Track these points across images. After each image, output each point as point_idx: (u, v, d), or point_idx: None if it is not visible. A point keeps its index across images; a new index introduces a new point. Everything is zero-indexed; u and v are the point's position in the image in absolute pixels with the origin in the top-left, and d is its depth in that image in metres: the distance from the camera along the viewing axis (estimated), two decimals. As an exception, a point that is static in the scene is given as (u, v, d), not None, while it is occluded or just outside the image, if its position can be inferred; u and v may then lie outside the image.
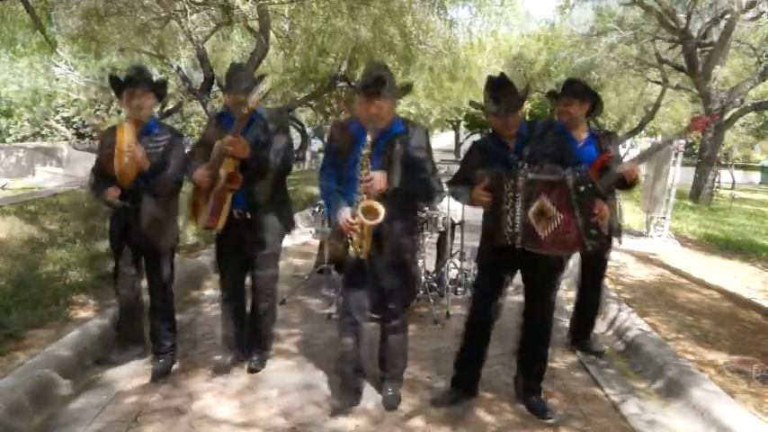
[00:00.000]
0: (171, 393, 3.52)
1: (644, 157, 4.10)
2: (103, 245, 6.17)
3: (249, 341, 3.87)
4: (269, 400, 3.47)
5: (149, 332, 3.88)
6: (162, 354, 3.82)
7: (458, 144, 42.37)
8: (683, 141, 8.68)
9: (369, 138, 3.02)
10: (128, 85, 3.60)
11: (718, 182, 16.75)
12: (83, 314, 4.39)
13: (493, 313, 3.36)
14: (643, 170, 4.28)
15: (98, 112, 24.74)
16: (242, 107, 3.28)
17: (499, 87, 3.15)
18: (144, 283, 3.86)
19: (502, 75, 3.22)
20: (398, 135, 3.08)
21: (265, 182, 3.50)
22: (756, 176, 27.89)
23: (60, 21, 8.83)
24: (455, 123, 38.71)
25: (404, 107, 25.28)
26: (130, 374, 3.72)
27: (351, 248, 3.18)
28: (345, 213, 3.09)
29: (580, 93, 3.87)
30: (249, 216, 3.54)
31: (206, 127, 3.96)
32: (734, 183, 17.93)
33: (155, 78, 3.71)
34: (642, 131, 21.71)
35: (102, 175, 3.68)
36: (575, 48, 17.08)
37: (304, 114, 26.15)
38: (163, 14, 10.73)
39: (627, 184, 3.75)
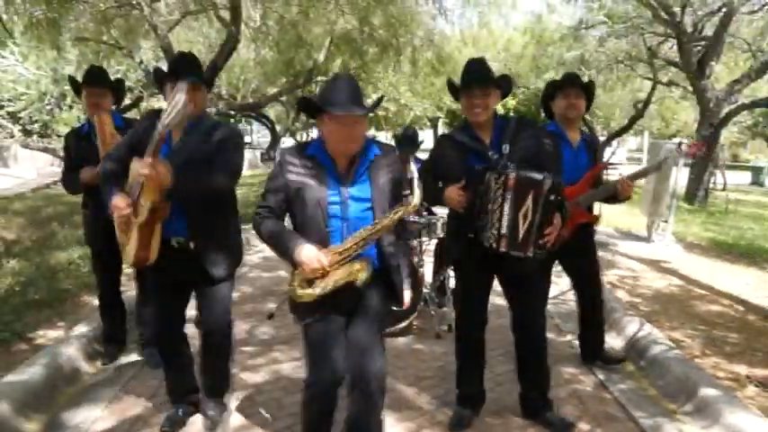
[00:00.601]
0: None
1: (640, 174, 4.09)
2: (65, 254, 5.96)
3: (202, 388, 3.35)
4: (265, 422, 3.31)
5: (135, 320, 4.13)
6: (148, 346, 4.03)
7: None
8: (685, 140, 8.75)
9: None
10: (85, 84, 3.84)
11: (714, 183, 17.03)
12: (51, 333, 4.18)
13: (483, 318, 3.33)
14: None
15: (48, 107, 24.18)
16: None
17: (473, 64, 3.12)
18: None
19: (482, 58, 3.20)
20: (377, 159, 2.63)
21: (210, 204, 3.01)
22: (746, 177, 28.54)
23: (15, 7, 8.52)
24: (435, 121, 38.79)
25: (384, 103, 25.24)
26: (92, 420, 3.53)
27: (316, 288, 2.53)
28: (314, 253, 2.47)
29: (584, 87, 3.85)
30: (192, 246, 3.00)
31: (139, 122, 3.69)
32: (725, 184, 18.23)
33: (113, 77, 3.97)
34: (630, 129, 21.99)
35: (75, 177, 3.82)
36: (563, 41, 17.20)
37: (273, 110, 25.95)
38: (125, 2, 10.47)
39: (617, 199, 3.78)
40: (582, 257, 4.00)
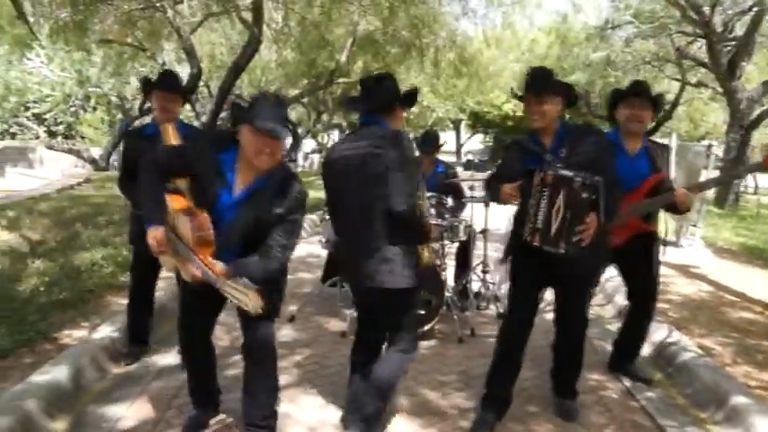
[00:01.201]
0: None
1: (705, 186, 4.00)
2: (88, 255, 6.04)
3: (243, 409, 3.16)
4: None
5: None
6: None
7: (459, 144, 42.43)
8: (715, 143, 8.63)
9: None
10: (157, 88, 3.90)
11: (745, 186, 16.74)
12: (75, 333, 4.25)
13: (527, 317, 3.39)
14: (672, 172, 4.22)
15: (72, 109, 24.59)
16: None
17: (532, 72, 3.27)
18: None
19: (540, 66, 3.34)
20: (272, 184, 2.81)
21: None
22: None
23: (42, 9, 8.68)
24: (457, 123, 38.70)
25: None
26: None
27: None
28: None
29: (650, 97, 3.74)
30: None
31: (124, 140, 4.01)
32: (757, 187, 17.92)
33: (136, 78, 3.95)
34: (657, 132, 21.73)
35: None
36: (589, 42, 17.05)
37: (295, 112, 26.07)
38: (148, 4, 10.61)
39: (677, 209, 3.71)
40: (638, 268, 3.92)
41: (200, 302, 2.97)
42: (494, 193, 3.38)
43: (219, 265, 2.63)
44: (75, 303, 4.83)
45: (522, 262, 3.36)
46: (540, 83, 3.18)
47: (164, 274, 4.30)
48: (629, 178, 3.64)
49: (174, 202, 2.75)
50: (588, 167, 3.03)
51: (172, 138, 3.73)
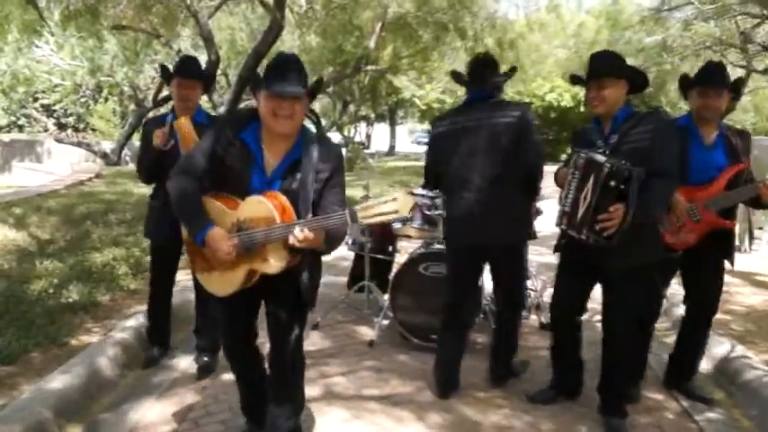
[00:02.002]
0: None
1: None
2: (99, 256, 6.16)
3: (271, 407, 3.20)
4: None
5: (194, 328, 4.38)
6: (203, 351, 4.24)
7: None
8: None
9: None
10: (177, 75, 4.02)
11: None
12: (86, 338, 4.34)
13: (569, 305, 3.63)
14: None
15: (83, 99, 25.08)
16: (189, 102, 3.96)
17: (593, 56, 3.43)
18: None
19: (603, 51, 3.54)
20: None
21: None
22: None
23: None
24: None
25: (438, 94, 25.21)
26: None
27: None
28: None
29: (727, 82, 3.68)
30: (296, 275, 2.94)
31: (146, 133, 4.13)
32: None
33: (152, 66, 4.08)
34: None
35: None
36: (643, 25, 16.82)
37: (318, 102, 26.23)
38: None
39: (761, 204, 3.62)
40: (704, 271, 3.79)
41: (242, 302, 2.97)
42: (556, 178, 3.57)
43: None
44: (85, 307, 4.93)
45: (568, 249, 3.54)
46: (600, 65, 3.32)
47: (178, 276, 4.38)
48: (705, 169, 3.60)
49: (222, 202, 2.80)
50: (638, 156, 3.12)
51: (186, 134, 3.84)
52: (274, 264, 2.69)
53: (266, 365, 3.13)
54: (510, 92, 25.80)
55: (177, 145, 3.90)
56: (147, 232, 4.32)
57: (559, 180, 3.47)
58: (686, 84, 3.75)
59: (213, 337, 4.13)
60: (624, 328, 3.45)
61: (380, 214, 2.49)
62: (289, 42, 15.75)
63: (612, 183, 3.07)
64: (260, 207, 2.66)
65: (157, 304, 4.34)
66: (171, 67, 4.15)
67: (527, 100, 31.27)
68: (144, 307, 4.53)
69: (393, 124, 39.62)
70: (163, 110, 22.10)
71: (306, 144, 2.80)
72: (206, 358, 4.22)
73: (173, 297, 4.41)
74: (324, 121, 25.71)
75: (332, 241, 2.75)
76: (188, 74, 4.03)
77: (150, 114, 21.76)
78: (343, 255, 7.19)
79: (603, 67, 3.31)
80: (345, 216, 2.52)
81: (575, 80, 3.53)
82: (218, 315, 3.13)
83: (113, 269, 5.87)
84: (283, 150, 2.79)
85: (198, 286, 4.23)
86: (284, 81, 2.67)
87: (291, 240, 2.55)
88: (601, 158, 3.13)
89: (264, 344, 3.05)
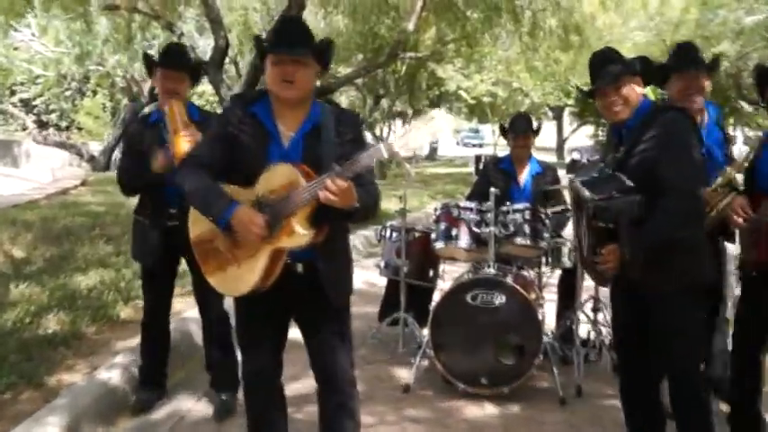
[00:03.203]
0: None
1: None
2: (83, 279, 6.24)
3: None
4: None
5: (206, 364, 4.45)
6: (223, 388, 4.31)
7: (561, 139, 41.93)
8: None
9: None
10: (161, 66, 4.10)
11: None
12: (68, 378, 4.39)
13: (636, 360, 3.47)
14: None
15: (68, 93, 25.57)
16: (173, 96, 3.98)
17: (599, 58, 3.40)
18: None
19: (607, 48, 3.53)
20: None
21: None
22: None
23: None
24: (559, 111, 38.29)
25: (489, 86, 25.17)
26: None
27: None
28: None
29: None
30: (319, 267, 3.04)
31: (128, 126, 4.34)
32: None
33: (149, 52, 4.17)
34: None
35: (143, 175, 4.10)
36: (740, 2, 16.62)
37: (346, 97, 26.40)
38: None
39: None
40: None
41: (266, 318, 3.13)
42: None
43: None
44: (67, 340, 4.98)
45: (619, 294, 3.51)
46: (603, 62, 3.33)
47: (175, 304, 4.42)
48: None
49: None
50: (643, 171, 3.09)
51: (178, 115, 3.92)
52: (302, 233, 2.83)
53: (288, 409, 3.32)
54: (577, 83, 25.64)
55: (164, 141, 3.98)
56: (135, 254, 4.37)
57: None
58: (763, 75, 3.74)
59: (232, 372, 4.22)
60: (678, 380, 3.35)
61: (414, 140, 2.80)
62: (312, 24, 15.85)
63: (600, 224, 3.06)
64: (280, 173, 2.87)
65: (152, 337, 4.38)
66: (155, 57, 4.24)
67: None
68: (136, 340, 4.57)
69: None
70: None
71: (322, 111, 3.07)
72: (224, 397, 4.27)
73: (170, 328, 4.45)
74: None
75: (365, 204, 2.90)
76: (173, 64, 4.11)
77: (146, 109, 22.15)
78: (372, 280, 7.17)
79: (608, 62, 3.33)
80: (380, 148, 2.73)
81: (585, 94, 3.55)
82: (240, 338, 3.23)
83: (100, 295, 5.93)
84: (299, 119, 3.03)
85: (207, 311, 4.30)
86: (288, 42, 2.94)
87: (323, 196, 2.70)
88: (586, 194, 3.09)
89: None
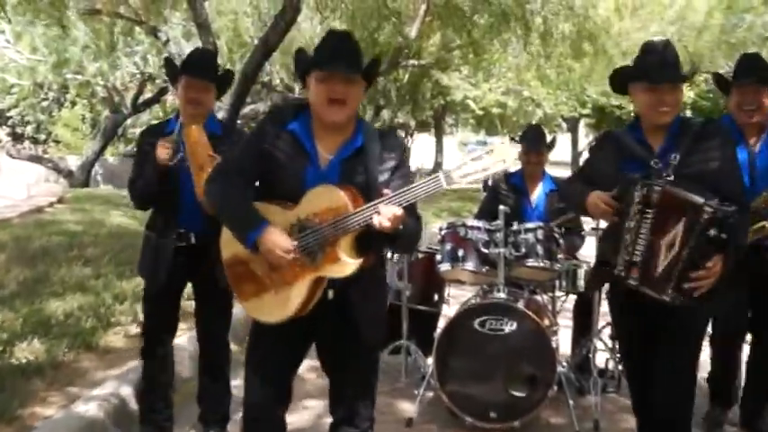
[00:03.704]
0: None
1: None
2: (60, 304, 6.23)
3: None
4: None
5: (197, 395, 4.38)
6: (212, 423, 4.28)
7: (576, 153, 42.01)
8: None
9: None
10: (186, 73, 4.04)
11: None
12: (43, 411, 4.38)
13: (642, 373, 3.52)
14: None
15: (45, 103, 25.63)
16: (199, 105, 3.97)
17: (658, 50, 3.39)
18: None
19: (664, 40, 3.54)
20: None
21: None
22: None
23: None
24: (574, 122, 38.39)
25: (498, 96, 25.22)
26: None
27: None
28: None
29: None
30: (352, 298, 3.06)
31: (143, 147, 4.18)
32: None
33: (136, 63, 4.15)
34: None
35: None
36: (768, 6, 16.69)
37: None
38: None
39: None
40: None
41: (283, 347, 3.14)
42: (574, 198, 3.56)
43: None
44: (42, 369, 4.96)
45: (621, 304, 3.54)
46: (673, 64, 3.33)
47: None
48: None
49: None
50: (704, 182, 3.13)
51: (195, 141, 3.89)
52: (349, 261, 2.84)
53: None
54: (593, 92, 25.73)
55: (185, 160, 3.96)
56: (141, 270, 4.35)
57: (592, 206, 3.39)
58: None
59: (223, 406, 4.24)
60: (686, 397, 3.44)
61: (482, 170, 2.73)
62: (307, 30, 15.97)
63: (713, 231, 3.02)
64: (327, 196, 2.88)
65: (154, 366, 4.33)
66: (178, 63, 4.25)
67: (616, 103, 31.32)
68: (117, 370, 4.55)
69: (440, 135, 39.73)
70: (145, 116, 22.56)
71: (365, 133, 3.06)
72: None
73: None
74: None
75: (411, 231, 2.96)
76: (201, 73, 4.05)
77: (129, 122, 22.22)
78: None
79: (676, 61, 3.34)
80: (440, 179, 2.71)
81: (625, 76, 3.47)
82: (248, 356, 3.23)
83: (78, 321, 5.92)
84: (339, 142, 3.04)
85: (208, 341, 4.33)
86: (338, 59, 2.93)
87: (377, 221, 2.71)
88: (698, 198, 3.04)
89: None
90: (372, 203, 2.76)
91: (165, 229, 4.09)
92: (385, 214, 2.69)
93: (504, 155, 2.70)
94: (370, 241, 2.87)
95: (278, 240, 2.86)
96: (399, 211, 2.71)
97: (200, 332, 4.37)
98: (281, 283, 2.98)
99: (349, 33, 3.16)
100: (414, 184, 2.78)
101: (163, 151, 3.88)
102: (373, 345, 3.21)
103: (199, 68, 4.06)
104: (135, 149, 4.40)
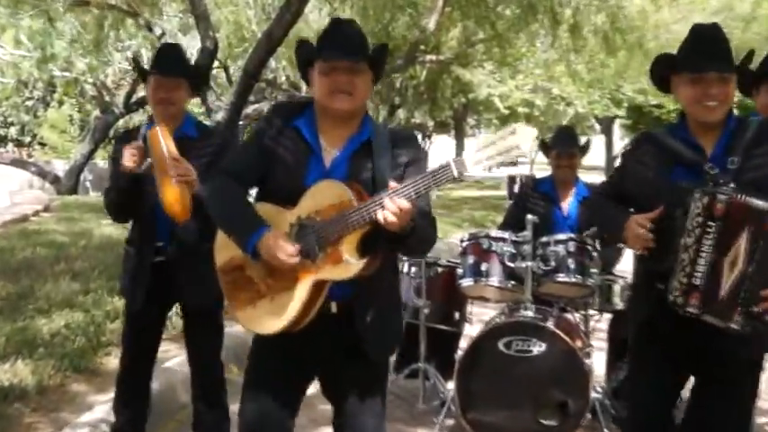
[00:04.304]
0: None
1: None
2: (46, 322, 6.25)
3: None
4: None
5: (192, 423, 4.34)
6: None
7: (611, 157, 41.91)
8: None
9: None
10: (154, 71, 4.07)
11: None
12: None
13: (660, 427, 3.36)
14: None
15: (29, 103, 25.78)
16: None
17: (708, 38, 3.22)
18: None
19: (713, 24, 3.36)
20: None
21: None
22: None
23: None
24: (608, 122, 38.32)
25: (525, 94, 25.20)
26: None
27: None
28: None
29: None
30: (356, 311, 3.04)
31: (117, 153, 4.15)
32: None
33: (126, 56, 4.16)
34: None
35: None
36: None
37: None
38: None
39: None
40: None
41: (283, 377, 3.12)
42: (608, 222, 3.41)
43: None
44: (26, 393, 4.98)
45: (651, 330, 3.29)
46: (725, 50, 3.18)
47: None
48: None
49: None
50: (758, 190, 2.97)
51: (165, 155, 3.82)
52: (352, 261, 2.81)
53: None
54: (628, 90, 25.66)
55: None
56: (123, 290, 4.38)
57: (631, 233, 3.16)
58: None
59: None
60: None
61: (497, 155, 2.66)
62: (315, 23, 16.01)
63: None
64: (329, 192, 2.88)
65: (130, 391, 4.32)
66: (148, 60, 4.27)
67: (654, 102, 31.24)
68: (108, 395, 4.56)
69: (461, 136, 39.68)
70: (138, 117, 22.58)
71: (374, 128, 3.10)
72: None
73: (152, 380, 4.44)
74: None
75: (423, 230, 2.90)
76: (169, 69, 4.08)
77: (121, 122, 22.29)
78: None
79: (727, 51, 3.17)
80: (450, 168, 2.66)
81: (664, 64, 3.32)
82: (246, 390, 3.18)
83: (65, 341, 5.94)
84: (345, 136, 3.06)
85: (200, 364, 4.32)
86: (342, 48, 2.97)
87: (382, 216, 2.67)
88: (762, 204, 2.91)
89: None
90: (377, 197, 2.73)
91: (142, 243, 4.11)
92: (390, 208, 2.65)
93: (522, 139, 2.64)
94: (376, 240, 2.83)
95: (280, 244, 2.84)
96: (406, 205, 2.67)
97: (189, 354, 4.36)
98: (278, 288, 2.96)
99: (353, 21, 3.21)
100: (421, 175, 2.74)
101: (129, 158, 3.87)
102: (381, 361, 3.19)
103: (166, 64, 4.09)
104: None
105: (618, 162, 3.55)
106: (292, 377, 3.16)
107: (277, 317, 2.94)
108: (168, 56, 4.22)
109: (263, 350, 3.15)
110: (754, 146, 3.12)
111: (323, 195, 2.88)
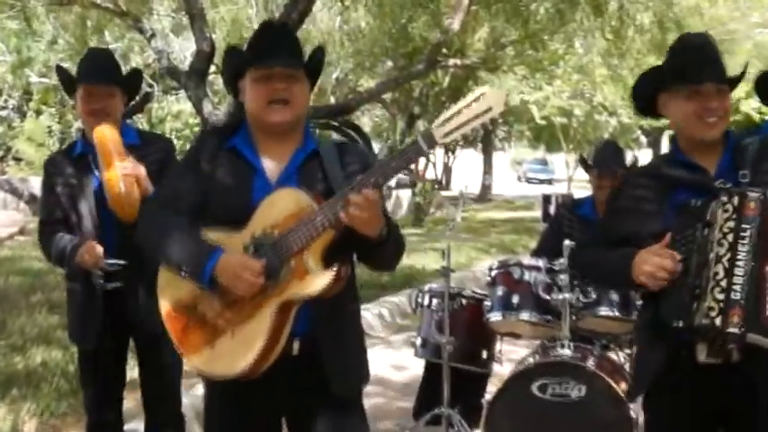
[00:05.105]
0: None
1: None
2: (20, 359, 6.28)
3: None
4: None
5: None
6: None
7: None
8: None
9: None
10: (82, 80, 4.07)
11: None
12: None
13: None
14: None
15: (3, 113, 25.97)
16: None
17: (700, 48, 3.22)
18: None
19: (703, 33, 3.47)
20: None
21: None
22: None
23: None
24: (655, 134, 38.29)
25: (563, 101, 25.21)
26: None
27: None
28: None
29: None
30: (321, 347, 3.02)
31: (49, 180, 4.18)
32: None
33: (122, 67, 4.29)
34: None
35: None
36: None
37: (368, 117, 26.61)
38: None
39: None
40: None
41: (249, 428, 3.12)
42: (610, 267, 3.28)
43: None
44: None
45: (675, 376, 3.15)
46: (718, 60, 3.19)
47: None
48: None
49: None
50: None
51: (110, 143, 3.89)
52: (319, 274, 2.80)
53: None
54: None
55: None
56: (71, 332, 4.33)
57: (650, 275, 3.01)
58: None
59: None
60: None
61: (467, 122, 2.68)
62: (325, 23, 16.09)
63: None
64: (285, 200, 2.91)
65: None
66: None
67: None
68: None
69: (488, 151, 39.69)
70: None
71: (316, 139, 3.20)
72: None
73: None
74: (377, 146, 25.88)
75: (395, 234, 2.94)
76: (100, 77, 4.07)
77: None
78: (404, 363, 7.16)
79: (720, 60, 3.19)
80: (419, 143, 2.71)
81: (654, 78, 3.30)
82: None
83: (42, 381, 5.95)
84: (288, 151, 3.10)
85: (156, 412, 4.31)
86: (276, 53, 3.00)
87: (348, 213, 2.68)
88: None
89: None
90: (339, 194, 2.75)
91: (88, 273, 4.02)
92: (356, 201, 2.65)
93: (492, 101, 2.66)
94: (345, 247, 2.86)
95: (244, 262, 2.83)
96: (374, 196, 2.68)
97: (145, 399, 4.35)
98: (238, 321, 2.91)
99: (285, 24, 3.29)
100: (389, 158, 2.81)
101: (84, 258, 3.89)
102: (349, 397, 3.11)
103: (96, 72, 4.08)
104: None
105: (607, 207, 3.50)
106: (258, 428, 3.15)
107: (242, 353, 2.87)
108: (97, 62, 4.20)
109: (223, 400, 3.12)
110: (759, 161, 3.14)
111: (277, 207, 2.89)
